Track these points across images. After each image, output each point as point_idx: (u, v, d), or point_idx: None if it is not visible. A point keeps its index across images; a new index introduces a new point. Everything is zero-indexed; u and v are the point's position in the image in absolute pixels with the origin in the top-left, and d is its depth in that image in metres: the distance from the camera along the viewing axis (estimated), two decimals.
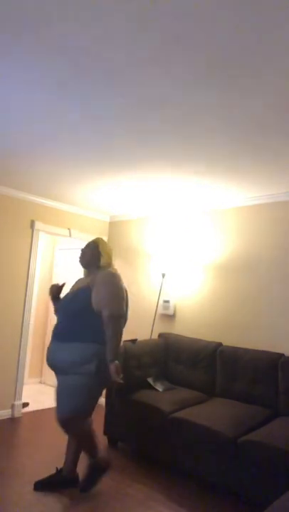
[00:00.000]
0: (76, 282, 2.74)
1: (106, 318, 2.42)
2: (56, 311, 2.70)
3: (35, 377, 5.36)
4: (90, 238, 4.73)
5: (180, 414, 2.83)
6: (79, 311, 2.48)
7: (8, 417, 3.91)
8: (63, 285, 2.80)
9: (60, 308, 2.66)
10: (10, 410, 3.94)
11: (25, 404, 4.15)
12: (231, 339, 3.53)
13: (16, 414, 3.95)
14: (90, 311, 2.45)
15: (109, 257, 2.70)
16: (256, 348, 3.27)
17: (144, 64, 1.70)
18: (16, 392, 3.98)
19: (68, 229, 4.52)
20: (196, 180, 3.23)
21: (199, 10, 1.37)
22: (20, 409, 4.00)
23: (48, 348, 2.57)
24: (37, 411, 4.18)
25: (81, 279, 2.74)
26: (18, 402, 3.99)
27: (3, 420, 3.82)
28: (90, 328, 2.44)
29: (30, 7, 1.41)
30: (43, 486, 2.57)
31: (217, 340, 3.59)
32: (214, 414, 2.78)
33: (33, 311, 5.14)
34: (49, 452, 3.14)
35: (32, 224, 4.17)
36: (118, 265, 4.66)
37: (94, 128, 2.40)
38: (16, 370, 4.01)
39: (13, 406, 3.95)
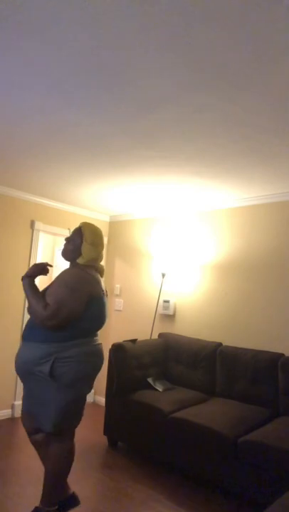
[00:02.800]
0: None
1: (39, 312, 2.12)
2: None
3: None
4: None
5: (180, 414, 2.83)
6: None
7: (8, 417, 3.91)
8: (46, 264, 2.40)
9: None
10: (10, 410, 3.94)
11: None
12: (231, 339, 3.53)
13: (16, 414, 3.95)
14: None
15: (91, 253, 2.30)
16: (256, 348, 3.27)
17: (143, 64, 1.70)
18: (16, 392, 3.98)
19: (68, 229, 4.51)
20: (195, 181, 3.23)
21: (200, 10, 1.37)
22: (20, 410, 3.99)
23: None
24: None
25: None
26: (18, 402, 3.98)
27: (3, 420, 3.83)
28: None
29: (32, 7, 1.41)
30: None
31: (217, 340, 3.59)
32: (214, 414, 2.78)
33: None
34: None
35: (32, 224, 4.17)
36: (118, 265, 4.66)
37: (92, 129, 2.40)
38: None
39: (13, 406, 3.95)
